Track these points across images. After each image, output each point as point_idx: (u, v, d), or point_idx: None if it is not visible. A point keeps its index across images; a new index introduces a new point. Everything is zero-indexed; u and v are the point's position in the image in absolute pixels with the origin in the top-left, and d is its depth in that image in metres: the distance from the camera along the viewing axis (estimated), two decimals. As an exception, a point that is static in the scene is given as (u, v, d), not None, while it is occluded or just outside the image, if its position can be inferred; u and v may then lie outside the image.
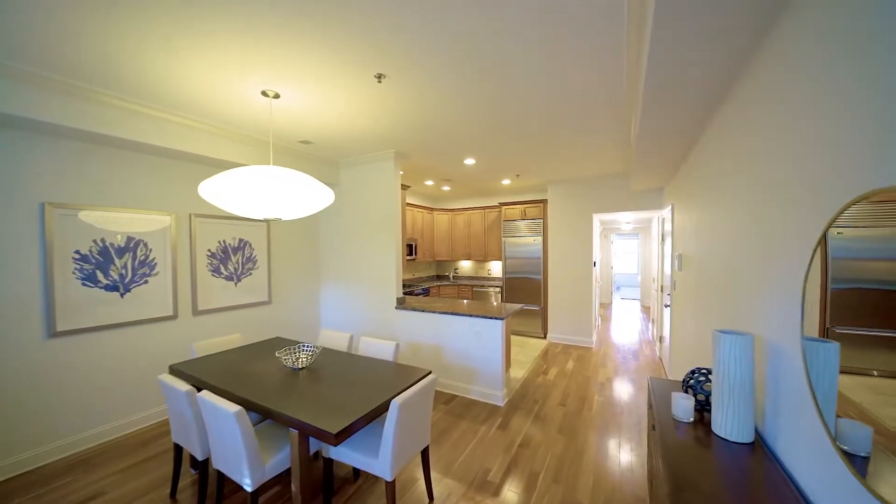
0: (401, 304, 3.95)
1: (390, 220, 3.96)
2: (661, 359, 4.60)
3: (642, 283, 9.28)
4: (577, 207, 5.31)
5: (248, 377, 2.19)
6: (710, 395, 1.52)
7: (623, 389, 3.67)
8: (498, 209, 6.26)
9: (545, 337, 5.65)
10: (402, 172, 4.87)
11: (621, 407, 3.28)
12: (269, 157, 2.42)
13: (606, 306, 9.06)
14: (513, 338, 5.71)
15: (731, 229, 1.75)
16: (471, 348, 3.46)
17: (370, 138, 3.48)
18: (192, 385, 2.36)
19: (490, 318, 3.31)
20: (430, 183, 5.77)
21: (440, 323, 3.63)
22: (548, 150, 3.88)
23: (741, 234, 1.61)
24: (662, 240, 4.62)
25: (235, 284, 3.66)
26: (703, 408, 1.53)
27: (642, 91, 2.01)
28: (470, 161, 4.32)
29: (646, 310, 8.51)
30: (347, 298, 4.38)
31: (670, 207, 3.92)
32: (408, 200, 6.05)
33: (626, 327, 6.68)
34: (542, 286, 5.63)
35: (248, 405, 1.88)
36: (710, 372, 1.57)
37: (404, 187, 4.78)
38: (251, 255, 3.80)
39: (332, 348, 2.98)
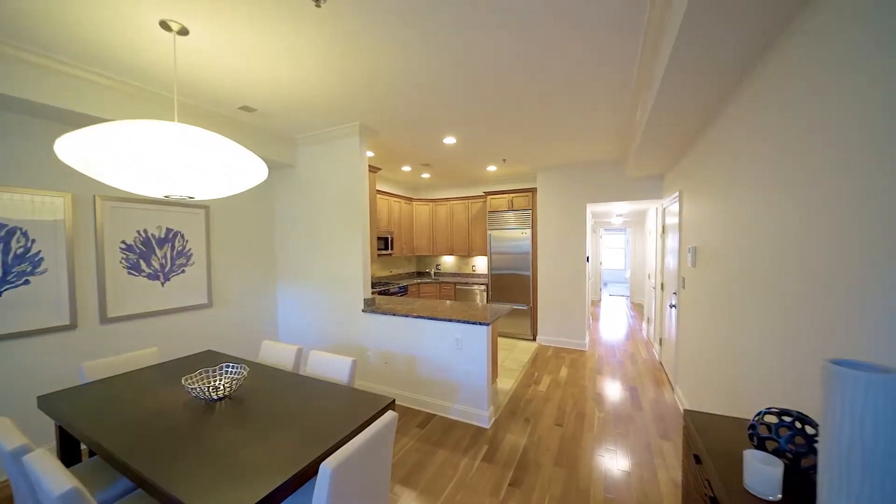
0: (369, 306, 3.36)
1: (356, 206, 3.35)
2: (661, 363, 4.18)
3: (632, 280, 8.97)
4: (569, 197, 4.82)
5: (141, 416, 1.57)
6: (799, 454, 1.01)
7: (626, 402, 3.20)
8: (483, 199, 5.72)
9: (535, 339, 5.17)
10: (372, 154, 4.25)
11: (626, 425, 2.80)
12: (178, 119, 1.80)
13: (596, 303, 8.70)
14: (500, 340, 5.20)
15: (810, 212, 1.25)
16: (451, 359, 2.91)
17: (328, 105, 2.85)
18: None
19: (473, 323, 2.76)
20: (407, 169, 5.17)
21: (415, 328, 3.07)
22: (538, 129, 3.35)
23: (844, 216, 1.10)
24: (663, 232, 4.18)
25: (163, 284, 2.98)
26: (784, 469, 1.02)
27: (667, 56, 1.51)
28: (450, 140, 3.75)
29: (637, 308, 8.18)
30: (307, 300, 3.76)
31: (676, 195, 3.46)
32: (384, 189, 5.45)
33: (619, 327, 6.29)
34: (531, 283, 5.13)
35: (119, 466, 1.27)
36: (795, 417, 1.06)
37: (374, 169, 4.15)
38: (184, 247, 3.13)
39: (275, 365, 2.37)
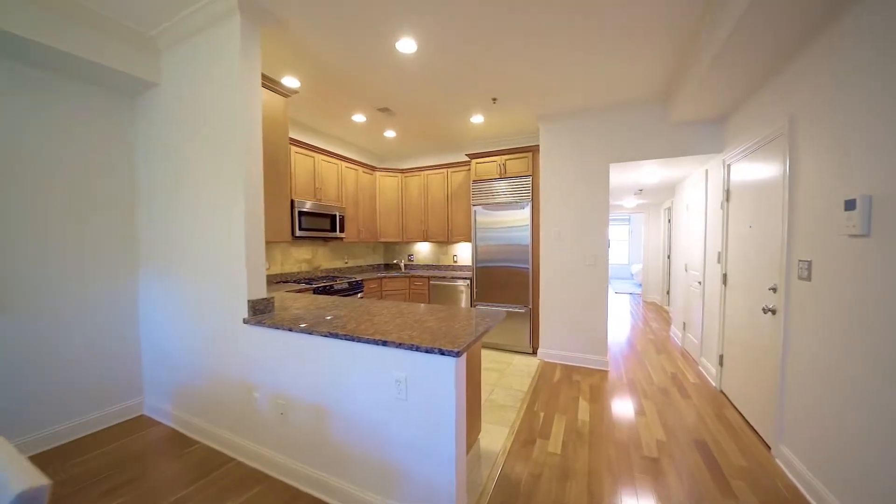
0: (258, 313, 1.95)
1: (235, 142, 1.93)
2: (724, 393, 2.86)
3: (645, 275, 7.69)
4: (586, 155, 3.46)
5: None
6: None
7: (703, 478, 1.85)
8: (466, 166, 4.34)
9: (535, 353, 3.82)
10: (297, 84, 2.80)
11: (724, 544, 1.45)
12: None
13: (601, 303, 7.42)
14: (489, 355, 3.84)
15: None
16: (388, 416, 1.52)
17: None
18: None
19: (429, 351, 1.37)
20: (360, 119, 3.75)
21: (327, 356, 1.67)
22: (548, 31, 1.97)
23: None
24: (727, 199, 2.86)
25: None
26: None
27: None
28: (408, 45, 2.34)
29: (653, 308, 6.90)
30: (175, 301, 2.33)
31: (768, 135, 2.14)
32: (334, 151, 4.00)
33: (638, 333, 4.97)
34: (530, 278, 3.77)
35: None
36: None
37: (283, 92, 2.61)
38: None
39: None
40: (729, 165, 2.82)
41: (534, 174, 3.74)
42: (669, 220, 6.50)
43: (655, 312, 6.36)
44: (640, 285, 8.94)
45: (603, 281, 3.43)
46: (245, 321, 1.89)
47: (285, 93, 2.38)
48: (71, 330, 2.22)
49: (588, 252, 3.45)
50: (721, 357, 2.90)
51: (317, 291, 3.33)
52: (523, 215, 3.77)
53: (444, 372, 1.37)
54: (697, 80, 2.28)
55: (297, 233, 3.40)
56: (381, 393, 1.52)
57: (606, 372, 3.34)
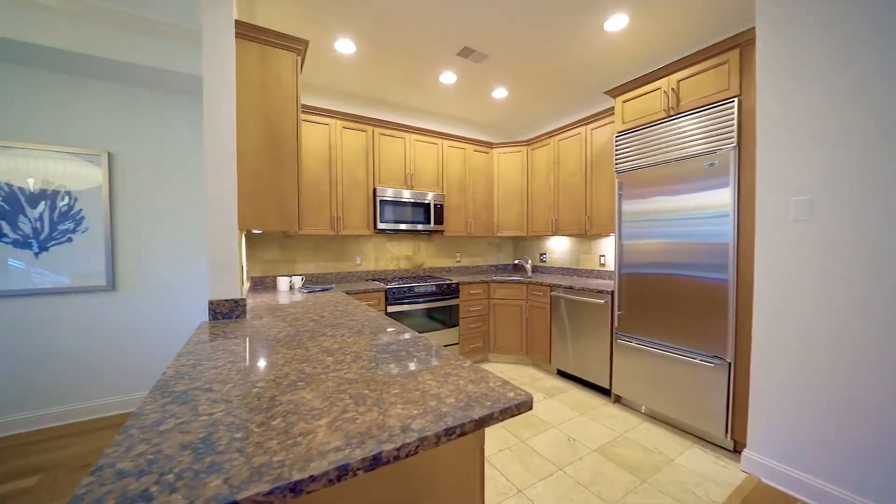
0: (222, 318, 1.57)
1: (208, 97, 1.62)
2: None
3: None
4: (874, 28, 1.35)
5: None
6: None
7: None
8: (609, 117, 2.76)
9: (737, 452, 1.91)
10: (353, 49, 2.32)
11: None
12: None
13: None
14: (635, 429, 2.23)
15: None
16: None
17: None
18: None
19: None
20: (449, 79, 2.97)
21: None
22: None
23: None
24: None
25: (37, 255, 2.22)
26: None
27: None
28: None
29: None
30: None
31: None
32: (433, 129, 3.38)
33: None
34: (731, 300, 1.91)
35: None
36: None
37: (285, 45, 1.99)
38: (70, 207, 2.29)
39: None
40: None
41: (742, 94, 1.86)
42: None
43: None
44: None
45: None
46: (204, 324, 1.55)
47: (293, 46, 1.94)
48: (174, 307, 2.61)
49: (871, 244, 1.35)
50: None
51: (390, 296, 2.82)
52: (716, 179, 1.94)
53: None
54: None
55: (380, 225, 3.01)
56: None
57: None
